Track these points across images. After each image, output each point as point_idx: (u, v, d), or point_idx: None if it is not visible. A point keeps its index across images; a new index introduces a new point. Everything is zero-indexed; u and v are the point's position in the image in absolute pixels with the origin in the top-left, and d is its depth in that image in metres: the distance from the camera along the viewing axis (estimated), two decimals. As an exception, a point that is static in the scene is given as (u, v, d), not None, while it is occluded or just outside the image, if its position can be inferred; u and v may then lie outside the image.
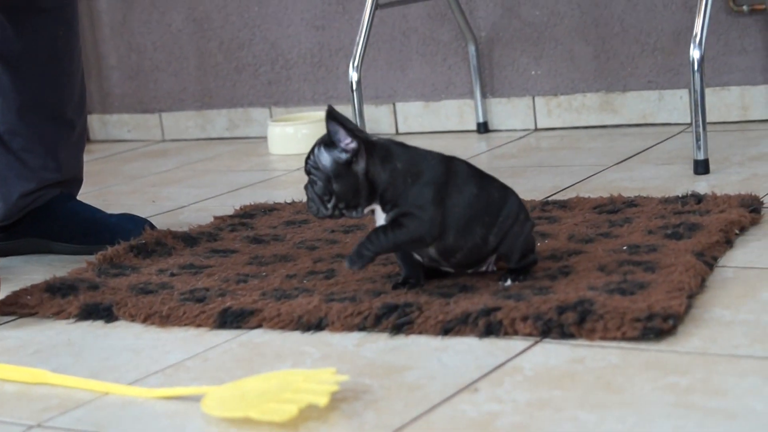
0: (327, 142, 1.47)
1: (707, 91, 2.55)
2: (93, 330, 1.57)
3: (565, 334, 1.33)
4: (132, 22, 3.35)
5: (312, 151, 1.49)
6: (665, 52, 2.70)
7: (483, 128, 2.88)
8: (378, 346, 1.38)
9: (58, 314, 1.62)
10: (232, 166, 2.80)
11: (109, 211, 2.06)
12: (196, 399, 1.25)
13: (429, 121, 2.97)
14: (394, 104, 3.01)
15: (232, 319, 1.51)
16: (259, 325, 1.49)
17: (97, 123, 3.46)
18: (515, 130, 2.86)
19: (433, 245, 1.48)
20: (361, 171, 1.46)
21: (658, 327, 1.29)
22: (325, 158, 1.47)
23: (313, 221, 1.99)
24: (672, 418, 1.09)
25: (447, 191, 1.47)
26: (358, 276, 1.61)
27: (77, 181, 2.10)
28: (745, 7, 2.59)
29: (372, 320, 1.43)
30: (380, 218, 1.49)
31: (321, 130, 2.87)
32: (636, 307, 1.33)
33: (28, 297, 1.67)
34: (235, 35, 3.21)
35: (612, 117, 2.77)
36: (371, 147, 1.47)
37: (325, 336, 1.43)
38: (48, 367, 1.41)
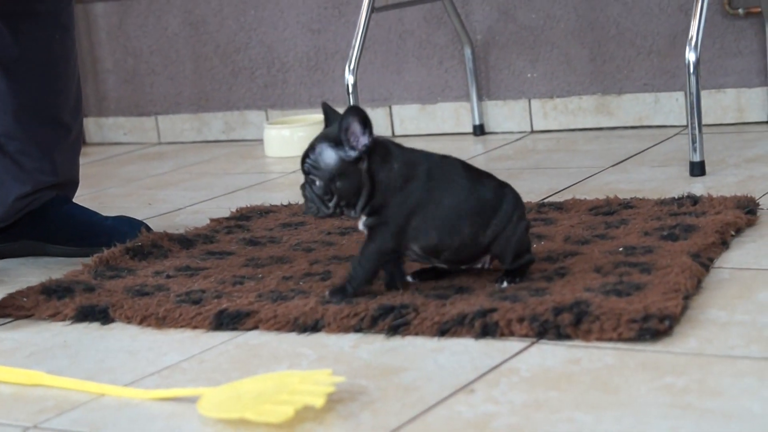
0: (332, 139, 1.45)
1: (703, 93, 2.56)
2: (89, 332, 1.57)
3: (561, 335, 1.33)
4: (128, 25, 3.35)
5: (311, 149, 1.46)
6: (661, 55, 2.71)
7: (479, 131, 2.88)
8: (374, 347, 1.38)
9: (54, 316, 1.62)
10: (228, 169, 2.80)
11: (105, 214, 2.05)
12: (192, 400, 1.25)
13: (425, 123, 2.98)
14: (390, 107, 3.02)
15: (228, 321, 1.50)
16: (255, 327, 1.49)
17: (93, 126, 3.46)
18: (511, 133, 2.86)
19: (416, 244, 1.48)
20: (365, 170, 1.45)
21: (654, 328, 1.29)
22: (330, 156, 1.45)
23: (310, 223, 1.99)
24: (668, 418, 1.09)
25: (430, 195, 1.46)
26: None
27: (73, 184, 2.10)
28: (740, 10, 2.60)
29: (368, 321, 1.43)
30: (363, 219, 1.49)
31: (317, 133, 2.86)
32: (632, 308, 1.33)
33: (24, 299, 1.66)
34: (231, 38, 3.21)
35: (608, 119, 2.78)
36: (374, 144, 1.46)
37: (321, 337, 1.43)
38: (44, 369, 1.40)
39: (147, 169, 2.92)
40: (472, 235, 1.48)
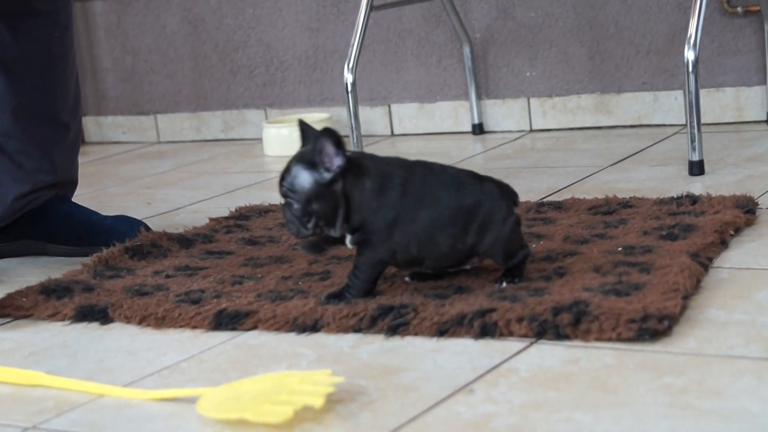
0: (306, 161, 1.45)
1: (702, 92, 2.56)
2: (88, 332, 1.57)
3: (560, 335, 1.33)
4: (127, 24, 3.35)
5: (287, 172, 1.46)
6: (660, 54, 2.71)
7: (478, 129, 2.88)
8: (373, 347, 1.38)
9: (53, 316, 1.62)
10: (227, 168, 2.80)
11: (104, 213, 2.05)
12: (191, 401, 1.25)
13: (424, 122, 2.98)
14: (389, 106, 3.02)
15: (227, 321, 1.50)
16: (254, 327, 1.49)
17: (92, 125, 3.45)
18: (510, 132, 2.87)
19: (398, 255, 1.48)
20: (340, 191, 1.45)
21: (653, 328, 1.30)
22: (305, 179, 1.44)
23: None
24: (667, 418, 1.09)
25: (406, 209, 1.46)
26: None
27: (72, 183, 2.10)
28: (739, 9, 2.60)
29: (367, 322, 1.43)
30: (348, 238, 1.49)
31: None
32: (631, 308, 1.33)
33: (23, 299, 1.66)
34: (229, 37, 3.21)
35: (607, 118, 2.78)
36: (349, 164, 1.45)
37: (320, 337, 1.43)
38: (43, 369, 1.40)
39: (146, 168, 2.92)
40: (450, 245, 1.47)
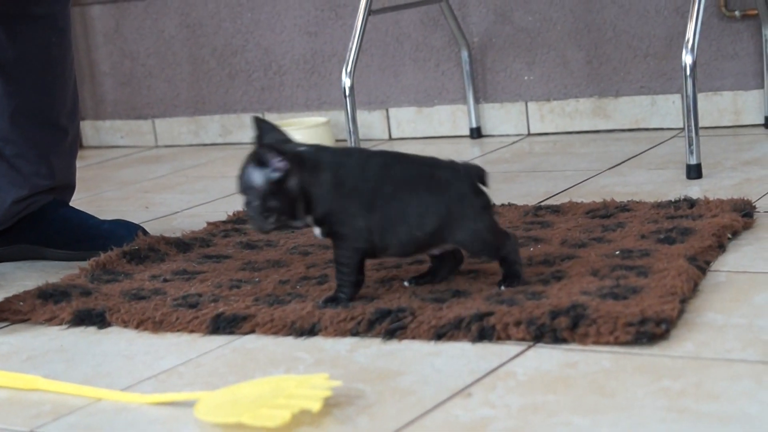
0: (257, 161, 1.47)
1: (700, 96, 2.56)
2: (86, 336, 1.57)
3: (558, 338, 1.33)
4: (125, 28, 3.35)
5: (243, 171, 1.48)
6: (657, 58, 2.71)
7: (476, 133, 2.88)
8: (371, 351, 1.38)
9: (51, 320, 1.62)
10: (225, 172, 2.79)
11: (101, 217, 2.05)
12: (189, 405, 1.25)
13: (422, 126, 2.98)
14: (387, 110, 3.02)
15: (225, 325, 1.50)
16: (252, 331, 1.49)
17: (90, 129, 3.45)
18: (508, 136, 2.87)
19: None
20: (296, 186, 1.47)
21: (651, 331, 1.30)
22: (258, 178, 1.47)
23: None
24: (665, 422, 1.09)
25: (365, 198, 1.47)
26: (351, 281, 1.61)
27: (70, 188, 2.10)
28: (737, 13, 2.60)
29: (365, 325, 1.43)
30: (316, 230, 1.51)
31: (314, 136, 2.87)
32: (629, 312, 1.33)
33: (21, 303, 1.66)
34: (228, 41, 3.21)
35: (605, 122, 2.78)
36: (301, 160, 1.47)
37: (318, 341, 1.43)
38: (40, 373, 1.40)
39: (144, 173, 2.92)
40: (407, 232, 1.47)
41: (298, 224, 1.50)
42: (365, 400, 1.22)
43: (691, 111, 2.10)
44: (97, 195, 2.66)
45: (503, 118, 2.88)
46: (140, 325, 1.55)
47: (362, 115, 3.00)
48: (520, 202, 2.04)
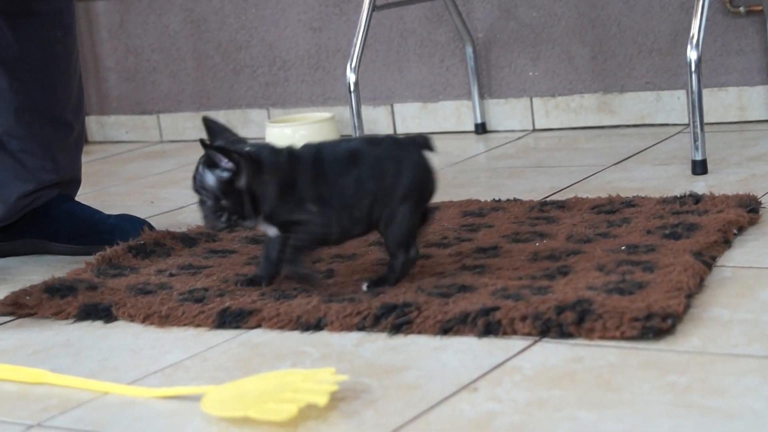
0: (208, 162, 1.51)
1: (705, 91, 2.56)
2: (92, 330, 1.57)
3: (564, 333, 1.33)
4: (129, 24, 3.35)
5: (197, 170, 1.53)
6: (662, 53, 2.71)
7: (481, 129, 2.88)
8: (377, 345, 1.38)
9: (57, 315, 1.63)
10: (230, 168, 2.79)
11: (107, 212, 2.06)
12: (195, 399, 1.25)
13: (427, 122, 2.98)
14: (392, 105, 3.02)
15: (231, 319, 1.51)
16: (258, 325, 1.49)
17: (94, 124, 3.46)
18: (513, 131, 2.87)
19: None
20: (244, 186, 1.51)
21: (657, 326, 1.30)
22: (209, 178, 1.51)
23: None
24: (671, 417, 1.09)
25: (307, 191, 1.51)
26: (356, 276, 1.61)
27: (75, 182, 2.10)
28: (741, 8, 2.60)
29: (371, 320, 1.43)
30: (269, 229, 1.55)
31: (319, 131, 2.87)
32: (635, 307, 1.33)
33: (27, 297, 1.67)
34: (232, 37, 3.21)
35: (610, 118, 2.78)
36: (246, 161, 1.51)
37: (324, 336, 1.43)
38: (47, 368, 1.41)
39: (149, 168, 2.92)
40: (349, 215, 1.51)
41: (249, 224, 1.55)
42: (371, 395, 1.22)
43: (697, 107, 2.10)
44: (102, 190, 2.66)
45: (508, 113, 2.88)
46: (146, 319, 1.56)
47: (367, 111, 3.00)
48: (525, 197, 2.04)
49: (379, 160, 1.52)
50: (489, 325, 1.37)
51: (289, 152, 1.55)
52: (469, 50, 2.85)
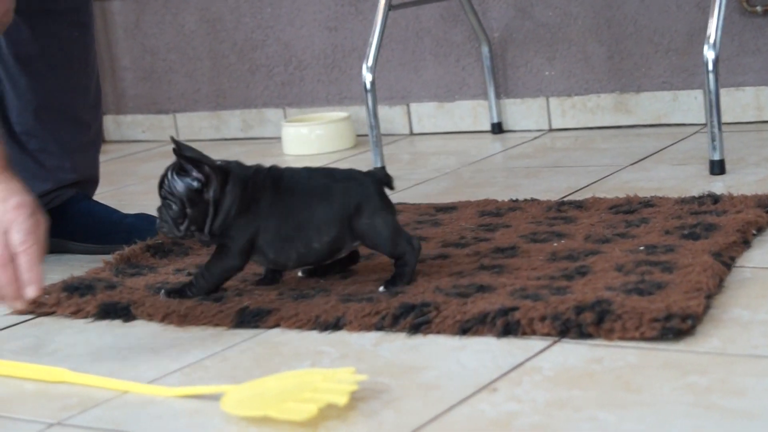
0: (179, 169, 1.55)
1: (722, 91, 2.55)
2: (111, 329, 1.57)
3: (583, 334, 1.33)
4: (145, 23, 3.36)
5: (166, 176, 1.56)
6: (679, 53, 2.70)
7: (497, 129, 2.88)
8: (396, 345, 1.38)
9: (76, 313, 1.63)
10: (246, 167, 2.80)
11: (124, 211, 2.06)
12: (215, 398, 1.26)
13: (443, 121, 2.98)
14: (408, 105, 3.02)
15: (249, 319, 1.51)
16: (276, 325, 1.49)
17: (111, 124, 3.47)
18: (529, 131, 2.86)
19: (262, 258, 1.57)
20: (210, 198, 1.54)
21: (677, 327, 1.29)
22: (180, 185, 1.55)
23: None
24: (691, 418, 1.09)
25: (265, 217, 1.54)
26: (375, 276, 1.61)
27: (93, 182, 2.11)
28: (758, 8, 2.59)
29: (390, 320, 1.43)
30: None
31: (335, 131, 2.87)
32: (654, 308, 1.33)
33: (46, 296, 1.67)
34: (248, 36, 3.21)
35: (626, 117, 2.77)
36: (216, 174, 1.54)
37: (342, 335, 1.43)
38: (66, 366, 1.41)
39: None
40: (305, 244, 1.54)
41: (203, 238, 1.57)
42: (390, 395, 1.22)
43: (714, 106, 2.10)
44: (119, 189, 2.66)
45: (524, 113, 2.88)
46: (165, 318, 1.56)
47: (383, 111, 3.00)
48: (542, 197, 2.04)
49: (339, 193, 1.55)
50: (508, 325, 1.36)
51: (256, 171, 1.58)
52: (485, 50, 2.85)
